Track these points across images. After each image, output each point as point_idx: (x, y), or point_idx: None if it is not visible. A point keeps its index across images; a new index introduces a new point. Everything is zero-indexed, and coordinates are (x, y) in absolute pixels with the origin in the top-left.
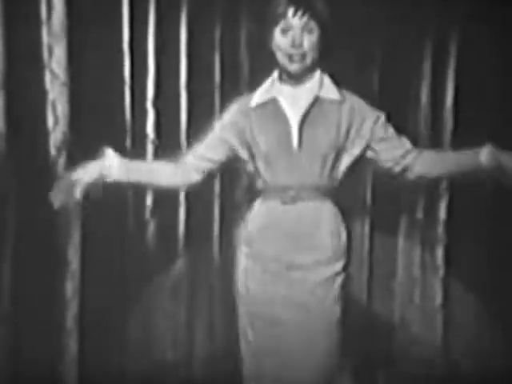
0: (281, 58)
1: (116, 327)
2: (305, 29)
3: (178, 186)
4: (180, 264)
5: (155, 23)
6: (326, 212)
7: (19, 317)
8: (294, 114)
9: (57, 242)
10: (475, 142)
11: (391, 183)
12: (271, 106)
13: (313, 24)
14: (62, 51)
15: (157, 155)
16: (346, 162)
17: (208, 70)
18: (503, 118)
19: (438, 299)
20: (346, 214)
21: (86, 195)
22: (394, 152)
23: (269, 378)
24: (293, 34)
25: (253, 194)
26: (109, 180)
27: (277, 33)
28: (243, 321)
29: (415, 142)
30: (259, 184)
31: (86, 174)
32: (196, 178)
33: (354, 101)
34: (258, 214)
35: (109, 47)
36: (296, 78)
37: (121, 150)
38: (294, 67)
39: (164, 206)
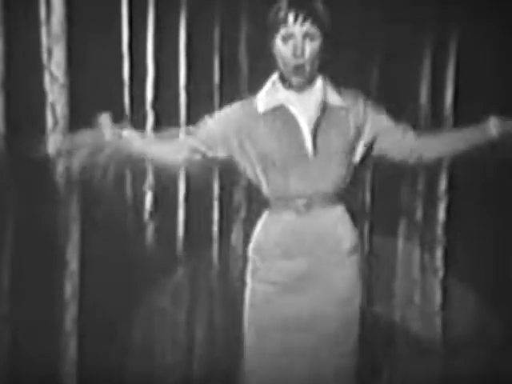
0: (282, 66)
1: (115, 328)
2: (306, 36)
3: (168, 164)
4: (179, 266)
5: (154, 25)
6: (340, 217)
7: (18, 318)
8: (305, 121)
9: (56, 242)
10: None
11: (390, 184)
12: (280, 112)
13: (314, 31)
14: (61, 53)
15: None
16: (354, 163)
17: (207, 71)
18: (503, 118)
19: (438, 300)
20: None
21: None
22: (402, 145)
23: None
24: (294, 43)
25: (255, 201)
26: (106, 151)
27: (278, 40)
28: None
29: None
30: (266, 193)
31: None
32: (181, 162)
33: (356, 103)
34: (272, 227)
35: (108, 49)
36: (299, 87)
37: None
38: (296, 80)
39: (163, 209)
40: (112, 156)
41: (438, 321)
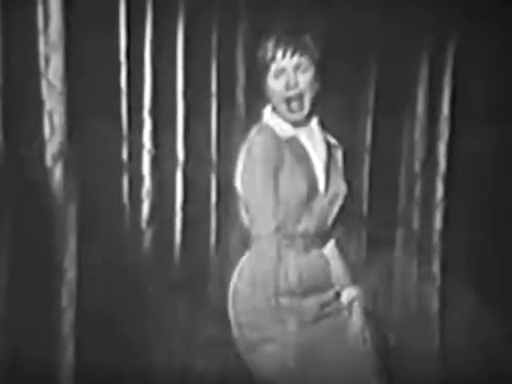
0: (278, 104)
1: (112, 335)
2: (298, 69)
3: None
4: (176, 273)
5: (152, 32)
6: (332, 255)
7: (15, 325)
8: (316, 157)
9: (53, 250)
10: (471, 152)
11: (387, 193)
12: (296, 145)
13: (306, 62)
14: (58, 60)
15: (153, 165)
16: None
17: (205, 78)
18: (500, 127)
19: (435, 308)
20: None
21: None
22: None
23: None
24: (286, 76)
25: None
26: None
27: (270, 79)
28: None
29: (411, 150)
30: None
31: None
32: None
33: (339, 145)
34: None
35: (105, 56)
36: (299, 124)
37: (117, 160)
38: (294, 117)
39: (160, 216)
40: None
41: (435, 329)
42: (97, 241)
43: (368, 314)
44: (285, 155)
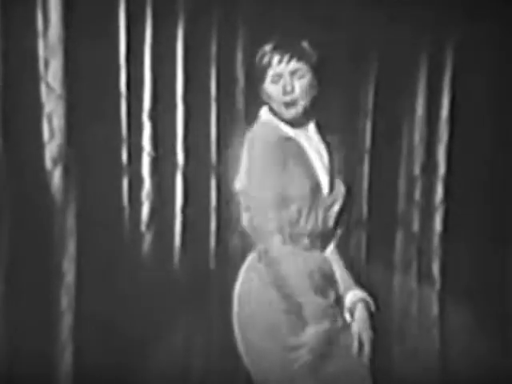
0: (275, 106)
1: (111, 338)
2: (295, 74)
3: None
4: (176, 276)
5: (152, 36)
6: (333, 258)
7: (15, 327)
8: (316, 158)
9: (52, 253)
10: (470, 154)
11: (387, 195)
12: (291, 144)
13: (303, 68)
14: (58, 64)
15: (153, 167)
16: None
17: (204, 82)
18: (499, 130)
19: (435, 310)
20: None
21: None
22: None
23: None
24: (283, 81)
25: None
26: None
27: (267, 84)
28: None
29: (410, 152)
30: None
31: None
32: None
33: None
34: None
35: (105, 60)
36: (295, 124)
37: (117, 163)
38: (290, 113)
39: (160, 219)
40: None
41: (435, 332)
42: (96, 243)
43: (372, 318)
44: (287, 153)
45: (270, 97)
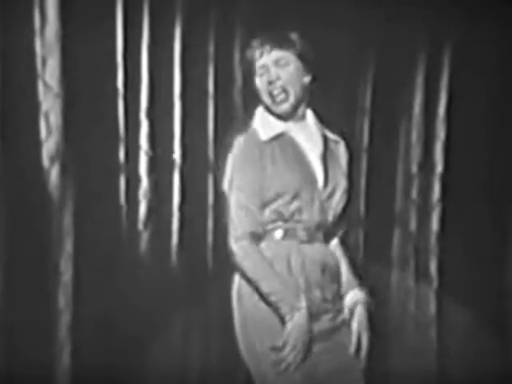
0: (266, 99)
1: (109, 337)
2: (278, 63)
3: None
4: (174, 274)
5: (149, 34)
6: (337, 251)
7: (12, 327)
8: (311, 151)
9: (49, 252)
10: (468, 153)
11: (384, 194)
12: (284, 140)
13: (286, 56)
14: (55, 62)
15: (150, 166)
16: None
17: (202, 81)
18: (496, 129)
19: (432, 309)
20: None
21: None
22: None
23: None
24: (268, 72)
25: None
26: None
27: (256, 79)
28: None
29: (408, 151)
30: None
31: None
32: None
33: (340, 141)
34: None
35: (102, 58)
36: (288, 117)
37: (114, 161)
38: (280, 109)
39: (157, 217)
40: None
41: (432, 330)
42: (93, 242)
43: (371, 320)
44: (267, 155)
45: (259, 90)
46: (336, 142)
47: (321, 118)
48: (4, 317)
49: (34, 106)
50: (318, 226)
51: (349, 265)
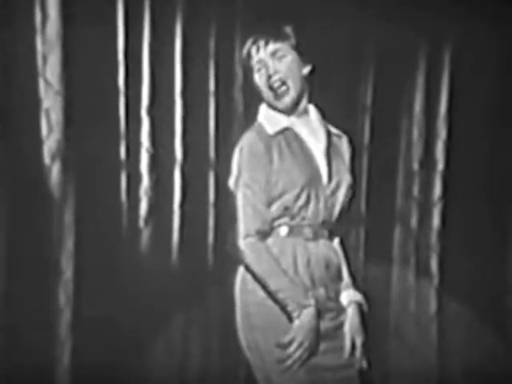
0: (267, 95)
1: (110, 335)
2: (275, 56)
3: None
4: (174, 272)
5: (150, 31)
6: (338, 249)
7: (13, 325)
8: (315, 146)
9: (50, 249)
10: (469, 150)
11: (385, 190)
12: (289, 135)
13: (282, 47)
14: (56, 59)
15: (151, 163)
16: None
17: (203, 78)
18: (497, 126)
19: (433, 306)
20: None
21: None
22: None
23: None
24: (266, 66)
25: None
26: None
27: (255, 75)
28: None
29: (409, 148)
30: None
31: None
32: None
33: (343, 136)
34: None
35: (103, 55)
36: (291, 112)
37: (115, 159)
38: (282, 103)
39: (158, 215)
40: None
41: (433, 327)
42: (94, 240)
43: (364, 321)
44: (274, 149)
45: (259, 86)
46: (339, 137)
47: (323, 114)
48: (4, 315)
49: (35, 103)
50: (323, 223)
51: (346, 265)
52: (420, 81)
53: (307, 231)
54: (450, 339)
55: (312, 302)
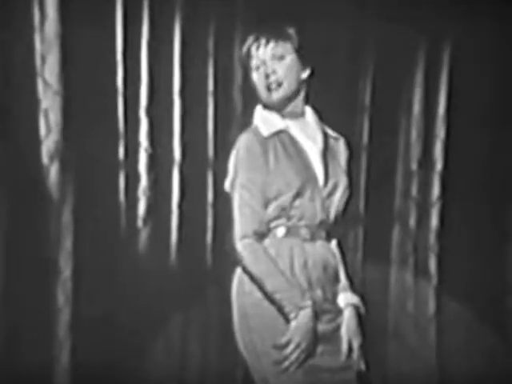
0: (262, 93)
1: (108, 334)
2: (274, 56)
3: None
4: (173, 272)
5: (148, 31)
6: (335, 251)
7: (11, 324)
8: (310, 148)
9: (49, 249)
10: (467, 150)
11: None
12: (284, 137)
13: (282, 49)
14: (54, 59)
15: (150, 163)
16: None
17: (201, 78)
18: (496, 126)
19: (431, 306)
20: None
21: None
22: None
23: None
24: (264, 66)
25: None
26: None
27: (253, 74)
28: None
29: (407, 148)
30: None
31: None
32: None
33: (340, 138)
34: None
35: (102, 55)
36: (283, 111)
37: (113, 159)
38: (273, 97)
39: (157, 215)
40: None
41: (431, 328)
42: (93, 239)
43: (361, 323)
44: (270, 151)
45: (256, 86)
46: (336, 139)
47: (320, 116)
48: (3, 314)
49: (34, 103)
50: (320, 224)
51: (344, 267)
52: (419, 81)
53: (304, 232)
54: (449, 340)
55: (309, 303)
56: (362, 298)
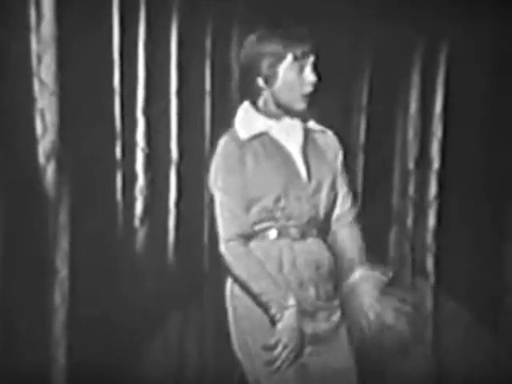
0: (288, 96)
1: (105, 334)
2: (313, 64)
3: None
4: (170, 271)
5: (145, 31)
6: (326, 247)
7: (8, 324)
8: (292, 147)
9: (45, 249)
10: (464, 150)
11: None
12: (264, 139)
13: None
14: (51, 59)
15: (147, 163)
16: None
17: (198, 77)
18: (492, 125)
19: (429, 306)
20: None
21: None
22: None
23: None
24: (309, 72)
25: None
26: None
27: (287, 72)
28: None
29: (405, 148)
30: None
31: None
32: None
33: (327, 131)
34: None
35: (98, 55)
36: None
37: (110, 158)
38: (303, 105)
39: (154, 214)
40: None
41: (429, 328)
42: (90, 239)
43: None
44: (248, 154)
45: (290, 87)
46: (322, 133)
47: (316, 115)
48: (0, 313)
49: (30, 103)
50: (309, 222)
51: (362, 245)
52: (415, 80)
53: (294, 231)
54: (446, 340)
55: (293, 303)
56: None
